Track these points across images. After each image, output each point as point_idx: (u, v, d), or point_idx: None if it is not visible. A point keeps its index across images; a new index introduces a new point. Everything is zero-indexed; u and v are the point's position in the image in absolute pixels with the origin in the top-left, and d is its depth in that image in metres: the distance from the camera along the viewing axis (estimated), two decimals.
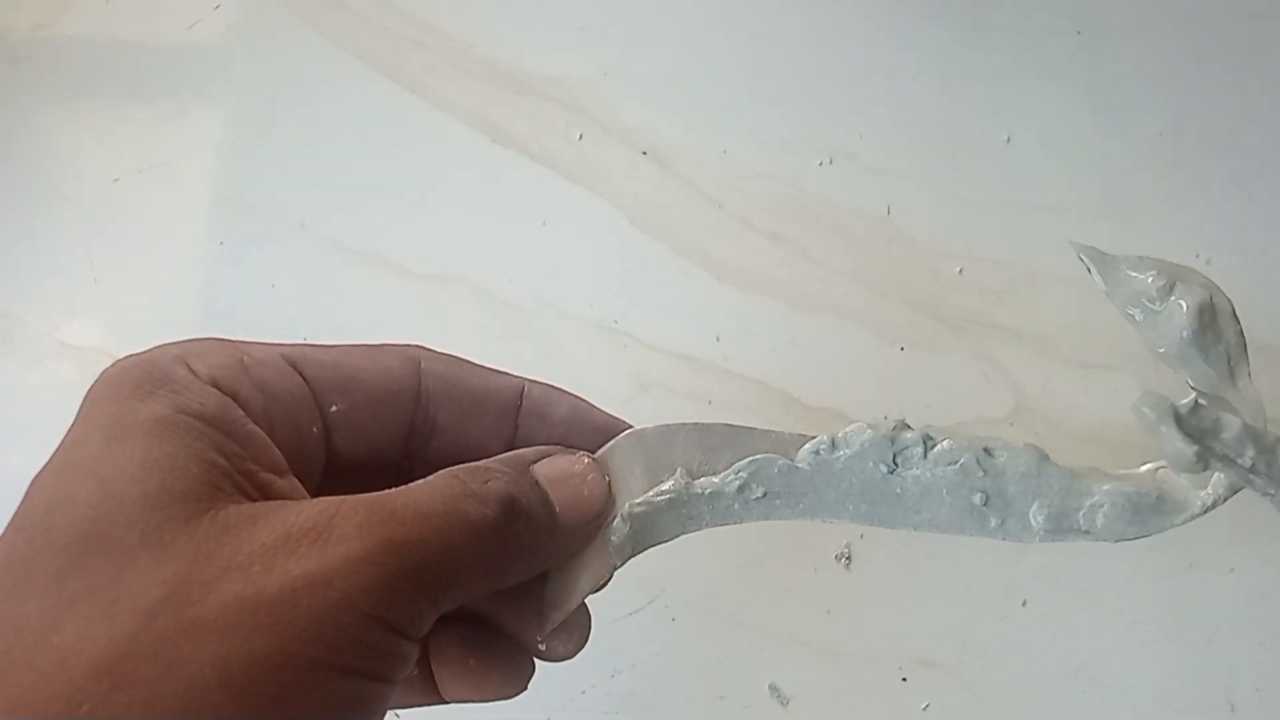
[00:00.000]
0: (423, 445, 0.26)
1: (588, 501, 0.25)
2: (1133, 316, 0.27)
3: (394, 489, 0.22)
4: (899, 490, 0.27)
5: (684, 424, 0.27)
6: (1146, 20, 0.47)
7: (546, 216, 0.48)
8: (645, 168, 0.48)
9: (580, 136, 0.48)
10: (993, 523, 0.26)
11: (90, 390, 0.22)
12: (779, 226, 0.46)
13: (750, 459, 0.27)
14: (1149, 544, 0.42)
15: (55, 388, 0.48)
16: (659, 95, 0.48)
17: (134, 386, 0.21)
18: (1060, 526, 0.26)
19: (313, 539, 0.20)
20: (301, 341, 0.25)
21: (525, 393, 0.27)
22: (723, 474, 0.27)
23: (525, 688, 0.26)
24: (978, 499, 0.26)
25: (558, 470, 0.25)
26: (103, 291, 0.50)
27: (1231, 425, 0.26)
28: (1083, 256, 0.27)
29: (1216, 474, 0.26)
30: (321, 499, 0.21)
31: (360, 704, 0.20)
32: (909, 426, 0.27)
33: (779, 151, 0.47)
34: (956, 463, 0.26)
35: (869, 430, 0.27)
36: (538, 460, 0.25)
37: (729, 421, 0.27)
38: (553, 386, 0.28)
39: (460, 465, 0.24)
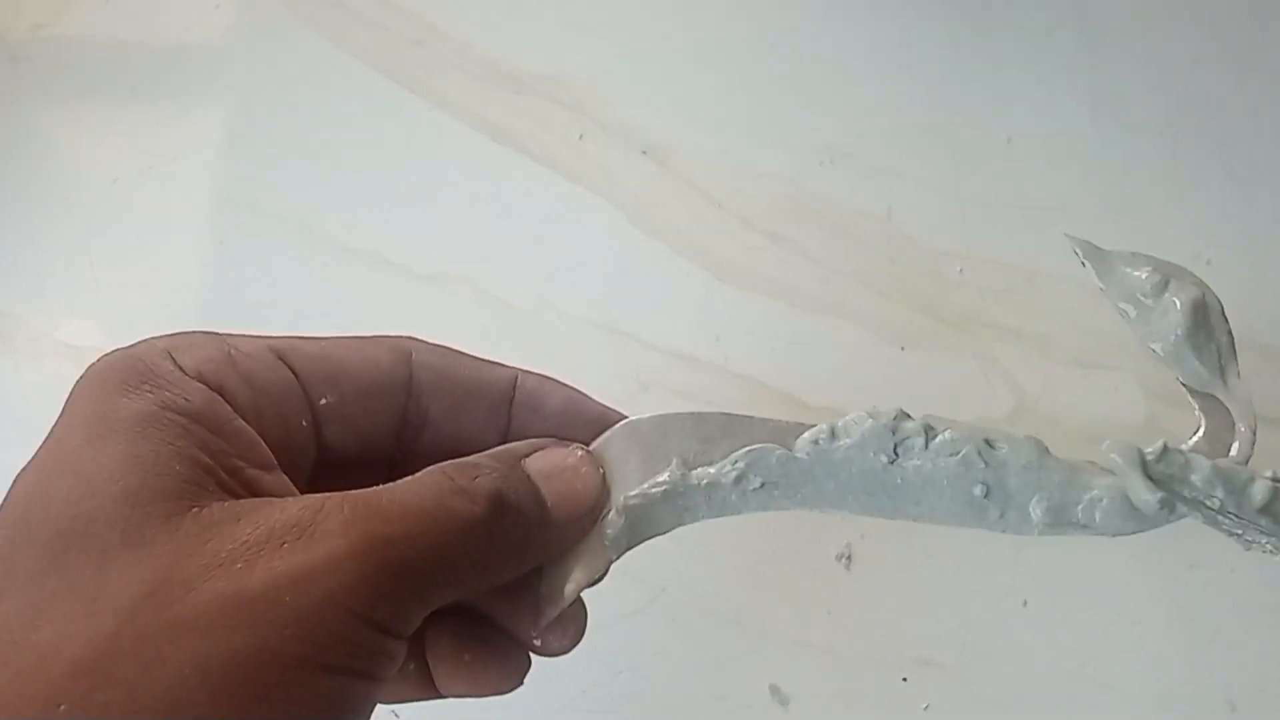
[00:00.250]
0: (415, 438, 0.26)
1: (581, 495, 0.25)
2: (1126, 312, 0.27)
3: (381, 486, 0.22)
4: (899, 481, 0.26)
5: (680, 414, 0.27)
6: (1146, 20, 0.47)
7: (546, 216, 0.48)
8: (645, 168, 0.48)
9: (580, 136, 0.48)
10: (993, 515, 0.26)
11: (76, 385, 0.21)
12: (779, 226, 0.46)
13: (747, 449, 0.26)
14: (1149, 544, 0.42)
15: (55, 388, 0.47)
16: (659, 95, 0.48)
17: (119, 382, 0.21)
18: (1059, 520, 0.26)
19: (296, 536, 0.19)
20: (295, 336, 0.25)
21: (519, 384, 0.27)
22: (719, 464, 0.26)
23: (521, 683, 0.26)
24: (979, 491, 0.26)
25: (550, 464, 0.25)
26: (103, 291, 0.50)
27: (1201, 467, 0.26)
28: (1078, 251, 0.27)
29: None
30: (306, 496, 0.21)
31: (345, 702, 0.20)
32: (909, 416, 0.27)
33: (779, 151, 0.47)
34: (958, 454, 0.26)
35: (869, 420, 0.26)
36: (530, 454, 0.25)
37: (730, 412, 0.27)
38: (546, 377, 0.27)
39: (450, 461, 0.23)
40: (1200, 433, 0.27)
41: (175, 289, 0.49)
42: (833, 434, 0.26)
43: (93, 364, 0.22)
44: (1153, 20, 0.47)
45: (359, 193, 0.49)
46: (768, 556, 0.43)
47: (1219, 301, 0.26)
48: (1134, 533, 0.26)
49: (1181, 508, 0.26)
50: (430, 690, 0.26)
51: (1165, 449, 0.26)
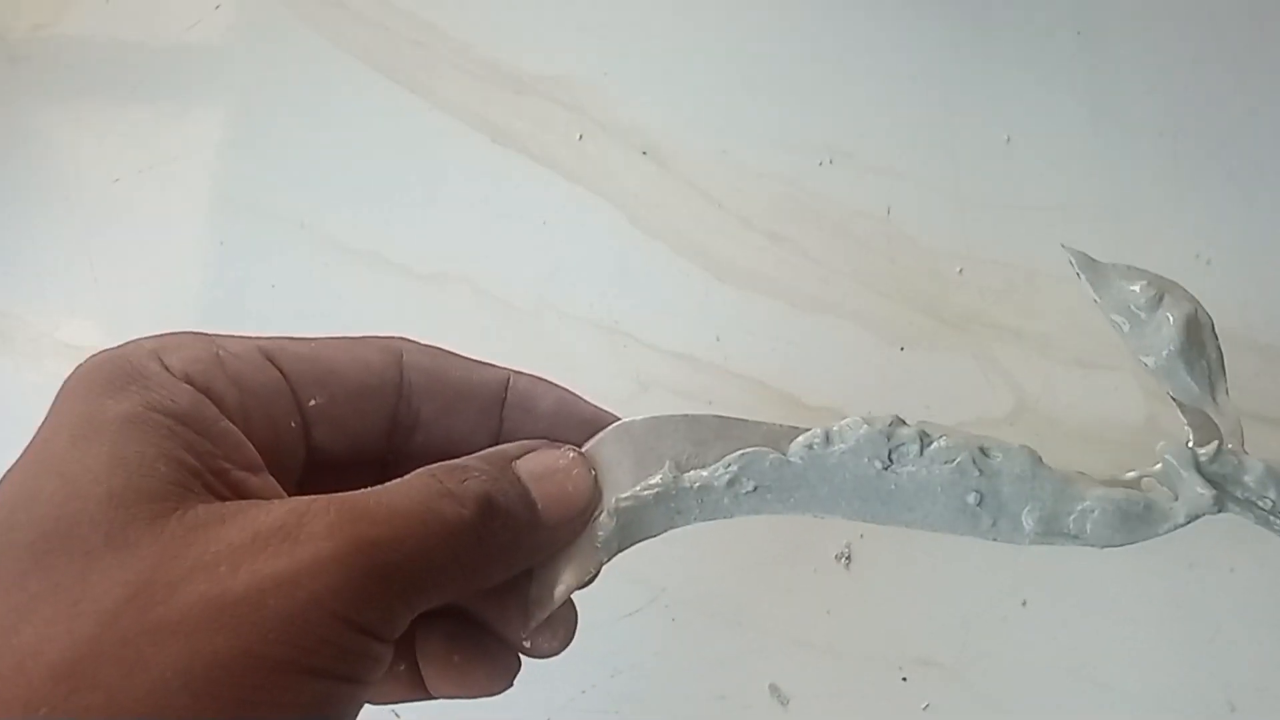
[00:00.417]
0: (406, 439, 0.26)
1: (572, 498, 0.25)
2: (1119, 324, 0.27)
3: (368, 488, 0.22)
4: (893, 487, 0.26)
5: (673, 416, 0.27)
6: (1146, 20, 0.47)
7: (546, 216, 0.48)
8: (645, 168, 0.48)
9: (580, 136, 0.48)
10: (985, 523, 0.26)
11: (63, 386, 0.21)
12: (779, 226, 0.46)
13: (741, 452, 0.26)
14: (1149, 544, 0.42)
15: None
16: (659, 95, 0.48)
17: (105, 383, 0.21)
18: (1050, 530, 0.26)
19: (281, 538, 0.19)
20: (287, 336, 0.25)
21: (510, 385, 0.26)
22: (712, 467, 0.26)
23: (511, 684, 0.26)
24: (972, 499, 0.26)
25: (541, 466, 0.25)
26: (103, 291, 0.50)
27: (1255, 468, 0.26)
28: (1073, 262, 0.28)
29: (1199, 489, 0.26)
30: (292, 498, 0.21)
31: (329, 705, 0.19)
32: (904, 422, 0.27)
33: (779, 151, 0.47)
34: (953, 461, 0.26)
35: (864, 425, 0.26)
36: (521, 455, 0.25)
37: (721, 414, 0.27)
38: (538, 378, 0.27)
39: (439, 463, 0.23)
40: (1190, 445, 0.27)
41: (175, 289, 0.49)
42: (827, 439, 0.26)
43: (79, 365, 0.22)
44: (1153, 20, 0.47)
45: (359, 193, 0.49)
46: (768, 556, 0.43)
47: (1210, 318, 0.27)
48: (1123, 545, 0.26)
49: (1233, 507, 0.26)
50: (420, 691, 0.26)
51: (1219, 449, 0.26)
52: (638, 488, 0.26)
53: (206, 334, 0.23)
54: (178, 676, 0.18)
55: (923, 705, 0.41)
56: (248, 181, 0.50)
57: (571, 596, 0.26)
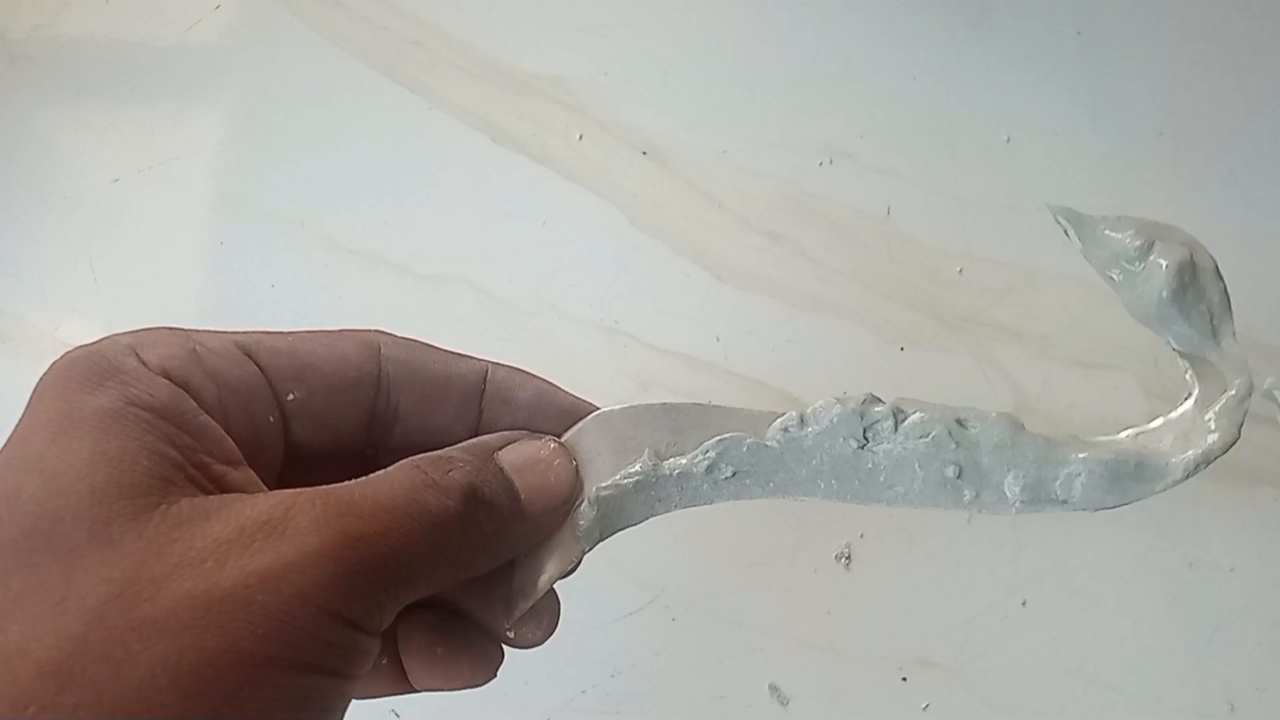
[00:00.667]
0: (385, 432, 0.26)
1: (554, 487, 0.25)
2: (1111, 278, 0.26)
3: (352, 481, 0.22)
4: (870, 465, 0.26)
5: (651, 405, 0.27)
6: (1146, 20, 0.47)
7: (546, 216, 0.48)
8: (645, 168, 0.48)
9: (580, 136, 0.48)
10: (967, 495, 0.26)
11: (39, 383, 0.21)
12: (779, 226, 0.46)
13: (718, 438, 0.26)
14: (1148, 544, 0.42)
15: None
16: (659, 95, 0.48)
17: (82, 378, 0.21)
18: (1037, 497, 0.26)
19: (267, 533, 0.19)
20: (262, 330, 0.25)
21: (489, 376, 0.26)
22: (691, 454, 0.26)
23: (495, 675, 0.26)
24: (951, 471, 0.26)
25: (523, 456, 0.25)
26: (103, 291, 0.50)
27: None
28: (1059, 218, 0.27)
29: (1196, 441, 0.25)
30: (277, 492, 0.20)
31: (318, 700, 0.19)
32: (879, 400, 0.26)
33: (779, 151, 0.47)
34: (928, 435, 0.26)
35: (838, 405, 0.26)
36: (502, 446, 0.25)
37: (701, 403, 0.27)
38: (516, 369, 0.27)
39: (422, 454, 0.23)
40: (1192, 399, 0.26)
41: (175, 289, 0.49)
42: (802, 421, 0.26)
43: (55, 361, 0.21)
44: (1153, 20, 0.47)
45: (359, 193, 0.49)
46: (768, 556, 0.43)
47: (1211, 259, 0.26)
48: (1115, 505, 0.26)
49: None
50: (403, 684, 0.26)
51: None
52: (618, 476, 0.26)
53: (183, 329, 0.23)
54: (166, 673, 0.17)
55: (923, 705, 0.41)
56: (248, 181, 0.50)
57: (563, 591, 0.26)
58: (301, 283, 0.48)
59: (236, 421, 0.22)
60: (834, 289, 0.45)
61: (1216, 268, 0.26)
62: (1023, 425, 0.26)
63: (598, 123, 0.48)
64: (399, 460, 0.23)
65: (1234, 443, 0.26)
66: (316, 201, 0.49)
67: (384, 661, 0.25)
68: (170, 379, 0.21)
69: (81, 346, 0.22)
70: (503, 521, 0.24)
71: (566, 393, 0.27)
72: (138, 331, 0.23)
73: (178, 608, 0.18)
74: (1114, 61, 0.46)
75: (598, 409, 0.27)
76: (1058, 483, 0.26)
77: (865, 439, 0.26)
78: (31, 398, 0.21)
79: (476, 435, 0.26)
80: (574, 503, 0.26)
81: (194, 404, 0.21)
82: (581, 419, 0.27)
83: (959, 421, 0.26)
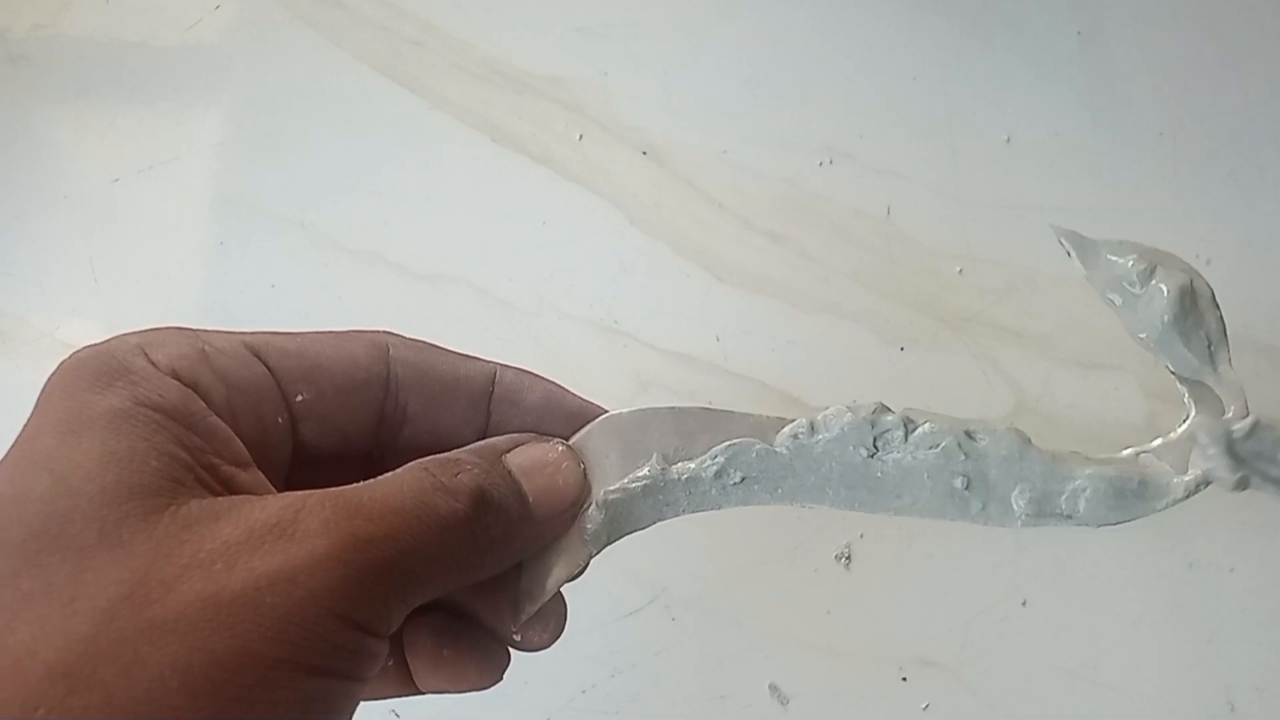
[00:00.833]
0: (393, 434, 0.26)
1: (562, 491, 0.25)
2: (1113, 301, 0.27)
3: (361, 483, 0.22)
4: (879, 474, 0.26)
5: (660, 408, 0.27)
6: (1146, 20, 0.47)
7: (546, 216, 0.48)
8: (645, 168, 0.48)
9: (580, 136, 0.48)
10: (974, 507, 0.26)
11: (47, 381, 0.21)
12: (779, 226, 0.46)
13: (727, 443, 0.26)
14: (1148, 544, 0.42)
15: None
16: (659, 95, 0.48)
17: (91, 378, 0.21)
18: (1042, 511, 0.26)
19: (277, 535, 0.19)
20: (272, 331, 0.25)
21: (497, 378, 0.26)
22: (699, 459, 0.26)
23: (501, 678, 0.26)
24: (959, 483, 0.26)
25: (531, 459, 0.25)
26: (103, 291, 0.50)
27: None
28: (1063, 240, 0.27)
29: (1195, 460, 0.26)
30: (286, 494, 0.20)
31: (327, 703, 0.19)
32: (889, 409, 0.26)
33: (779, 151, 0.47)
34: (938, 446, 0.26)
35: (848, 414, 0.26)
36: (510, 449, 0.25)
37: (711, 407, 0.27)
38: (525, 371, 0.27)
39: (430, 457, 0.23)
40: (1190, 421, 0.27)
41: (175, 289, 0.49)
42: (812, 428, 0.26)
43: (64, 360, 0.21)
44: (1153, 20, 0.47)
45: (359, 193, 0.49)
46: (768, 556, 0.43)
47: (1209, 287, 0.26)
48: (1118, 522, 0.26)
49: (1262, 485, 0.25)
50: (409, 686, 0.26)
51: (1256, 425, 0.25)
52: (625, 480, 0.26)
53: (192, 329, 0.23)
54: (176, 675, 0.17)
55: (923, 705, 0.41)
56: (248, 181, 0.50)
57: (564, 592, 0.26)
58: (301, 283, 0.48)
59: (245, 422, 0.22)
60: (834, 289, 0.45)
61: (1213, 295, 0.26)
62: (1030, 439, 0.26)
63: (598, 123, 0.48)
64: (406, 462, 0.23)
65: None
66: (316, 201, 0.49)
67: (390, 663, 0.25)
68: (179, 379, 0.21)
69: (90, 346, 0.22)
70: (511, 524, 0.24)
71: (575, 395, 0.27)
72: (146, 331, 0.23)
73: (187, 609, 0.18)
74: (1114, 61, 0.46)
75: (606, 412, 0.27)
76: (1063, 497, 0.26)
77: (875, 448, 0.26)
78: (40, 397, 0.21)
79: (484, 437, 0.26)
80: (582, 506, 0.26)
81: (203, 405, 0.21)
82: (590, 422, 0.27)
83: (968, 433, 0.26)
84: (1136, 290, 0.26)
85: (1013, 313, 0.44)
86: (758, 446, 0.26)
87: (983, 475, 0.26)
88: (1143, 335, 0.26)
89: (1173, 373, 0.27)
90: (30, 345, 0.49)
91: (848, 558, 0.43)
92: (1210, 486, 0.26)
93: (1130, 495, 0.26)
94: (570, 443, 0.26)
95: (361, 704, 0.22)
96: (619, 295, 0.46)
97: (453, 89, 0.50)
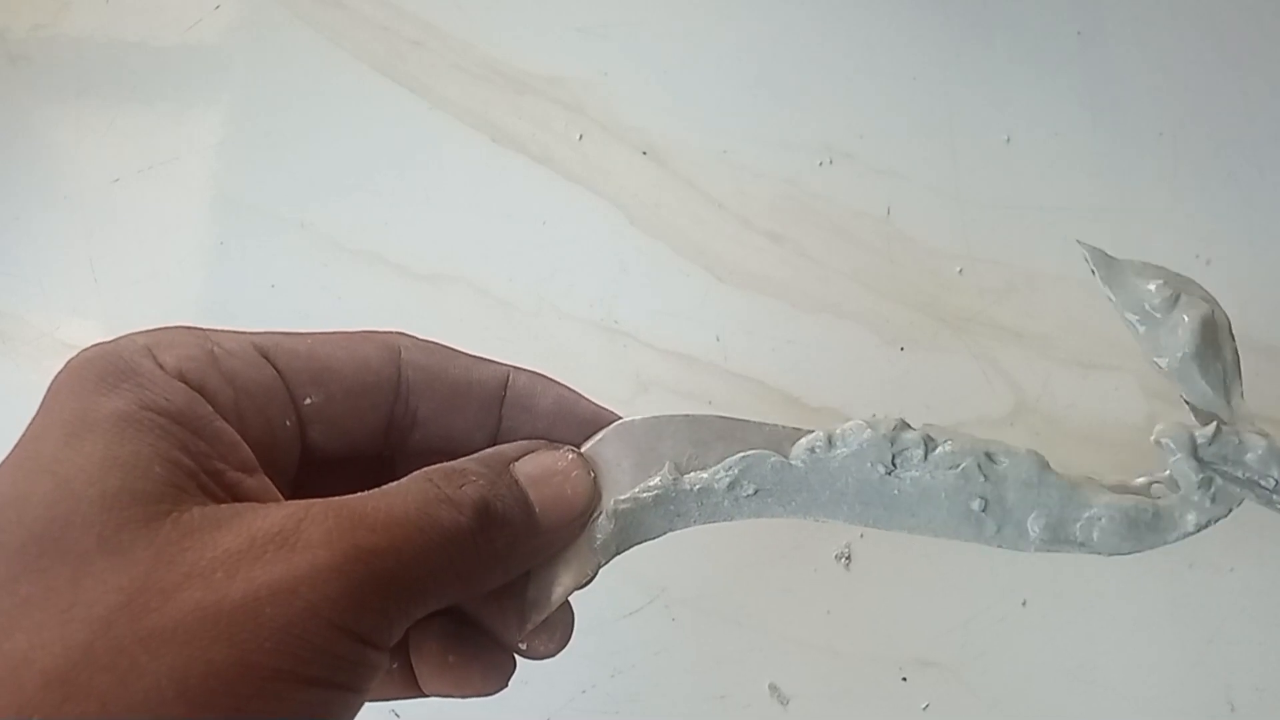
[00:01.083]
0: (403, 438, 0.25)
1: (571, 501, 0.25)
2: (1133, 324, 0.27)
3: (365, 493, 0.21)
4: (896, 492, 0.26)
5: (674, 416, 0.26)
6: (1146, 20, 0.47)
7: (546, 216, 0.48)
8: (645, 168, 0.48)
9: (580, 136, 0.48)
10: (989, 529, 0.26)
11: (53, 381, 0.21)
12: (779, 226, 0.46)
13: (742, 455, 0.26)
14: None
15: None
16: (659, 95, 0.48)
17: (97, 379, 0.20)
18: (1057, 537, 0.26)
19: (278, 545, 0.19)
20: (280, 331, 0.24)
21: (510, 382, 0.26)
22: (712, 469, 0.26)
23: (506, 685, 0.26)
24: (976, 505, 0.26)
25: (540, 468, 0.24)
26: (103, 291, 0.50)
27: (1256, 446, 0.25)
28: (1088, 258, 0.27)
29: (1210, 494, 0.26)
30: (289, 503, 0.20)
31: (326, 714, 0.19)
32: (909, 426, 0.26)
33: (779, 151, 0.47)
34: (958, 467, 0.26)
35: (868, 430, 0.26)
36: (519, 457, 0.25)
37: (723, 414, 0.27)
38: (538, 375, 0.27)
39: (436, 466, 0.23)
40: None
41: (175, 289, 0.49)
42: (830, 442, 0.26)
43: (71, 359, 0.21)
44: (1153, 20, 0.47)
45: (359, 193, 0.49)
46: (768, 556, 0.43)
47: (1227, 318, 0.26)
48: (1131, 553, 0.26)
49: (1232, 488, 0.26)
50: (413, 690, 0.25)
51: (1219, 430, 0.26)
52: (636, 489, 0.26)
53: (200, 329, 0.23)
54: (173, 685, 0.17)
55: (923, 705, 0.41)
56: (248, 181, 0.50)
57: (569, 597, 0.26)
58: (301, 283, 0.48)
59: (252, 425, 0.22)
60: (834, 289, 0.45)
61: (1230, 327, 0.26)
62: (1048, 464, 0.26)
63: (598, 123, 0.48)
64: (416, 465, 0.23)
65: (1239, 505, 0.26)
66: (316, 201, 0.49)
67: (394, 666, 0.25)
68: (186, 382, 0.21)
69: (98, 345, 0.21)
70: (516, 536, 0.23)
71: (588, 401, 0.27)
72: (155, 331, 0.22)
73: (186, 619, 0.18)
74: (1114, 61, 0.46)
75: (619, 418, 0.27)
76: (1078, 525, 0.26)
77: (893, 465, 0.26)
78: (46, 395, 0.21)
79: (496, 442, 0.25)
80: (591, 515, 0.25)
81: (209, 409, 0.21)
82: (602, 428, 0.26)
83: (988, 455, 0.26)
84: (1159, 316, 0.26)
85: (1013, 313, 0.44)
86: (773, 459, 0.26)
87: (1000, 498, 0.26)
88: (1163, 362, 0.26)
89: (1187, 401, 0.27)
90: (30, 345, 0.49)
91: (848, 558, 0.43)
92: (1220, 522, 0.26)
93: (1143, 526, 0.26)
94: (582, 450, 0.26)
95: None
96: (619, 295, 0.46)
97: (453, 89, 0.50)
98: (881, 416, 0.26)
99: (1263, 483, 0.26)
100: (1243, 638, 0.41)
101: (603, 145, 0.48)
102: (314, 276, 0.48)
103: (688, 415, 0.26)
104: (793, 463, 0.26)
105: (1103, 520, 0.26)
